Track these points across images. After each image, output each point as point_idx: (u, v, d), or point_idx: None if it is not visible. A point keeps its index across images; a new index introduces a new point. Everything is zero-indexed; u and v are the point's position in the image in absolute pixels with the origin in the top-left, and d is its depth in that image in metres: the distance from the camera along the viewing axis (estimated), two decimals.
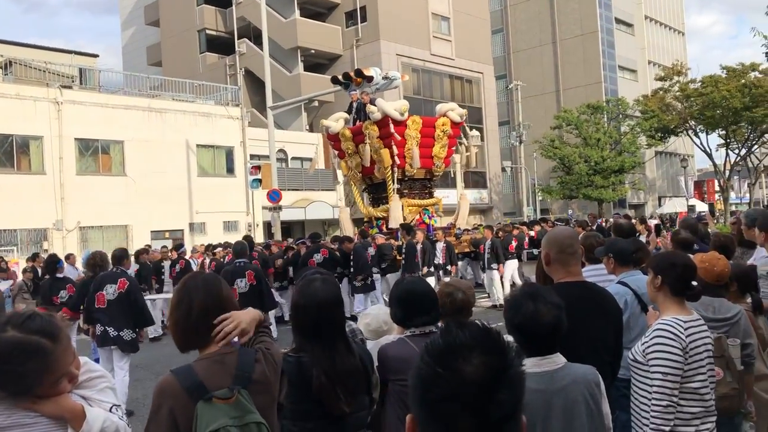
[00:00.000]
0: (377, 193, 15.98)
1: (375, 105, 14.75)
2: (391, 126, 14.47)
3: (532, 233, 15.87)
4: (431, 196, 16.15)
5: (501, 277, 13.67)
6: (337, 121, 15.97)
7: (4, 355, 1.71)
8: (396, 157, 14.65)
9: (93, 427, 1.83)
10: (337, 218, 17.48)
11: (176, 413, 2.01)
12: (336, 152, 16.29)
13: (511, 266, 14.14)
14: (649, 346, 2.84)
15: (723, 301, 3.52)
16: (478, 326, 1.15)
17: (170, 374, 2.10)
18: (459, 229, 17.47)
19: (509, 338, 2.13)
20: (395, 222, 14.16)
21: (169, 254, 14.14)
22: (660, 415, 2.78)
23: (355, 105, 15.91)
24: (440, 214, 16.33)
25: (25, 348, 1.72)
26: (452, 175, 17.72)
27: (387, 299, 10.10)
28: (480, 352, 1.09)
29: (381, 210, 15.40)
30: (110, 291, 7.17)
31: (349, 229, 15.87)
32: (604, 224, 19.26)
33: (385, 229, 14.62)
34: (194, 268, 13.47)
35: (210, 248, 16.01)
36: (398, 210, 14.58)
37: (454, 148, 16.21)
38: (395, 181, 14.85)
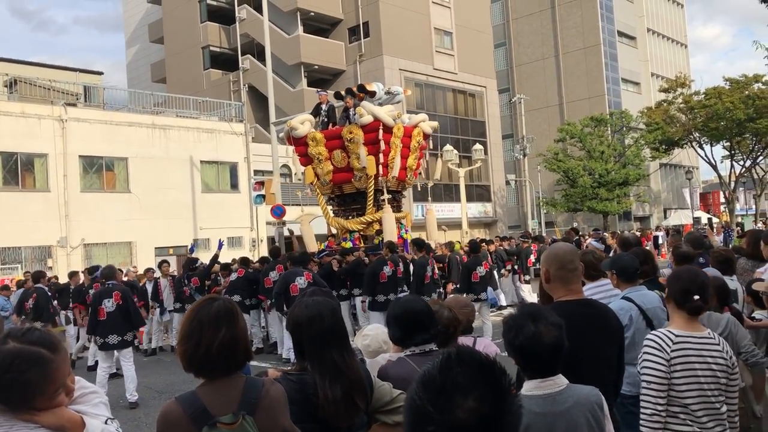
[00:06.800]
0: (346, 204, 14.58)
1: (363, 108, 13.58)
2: (380, 132, 13.39)
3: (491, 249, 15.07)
4: (399, 210, 15.04)
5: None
6: (303, 123, 14.48)
7: (6, 364, 1.74)
8: (380, 166, 13.53)
9: None
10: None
11: None
12: (298, 157, 14.99)
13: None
14: (640, 356, 2.94)
15: (710, 314, 3.56)
16: (479, 364, 1.08)
17: (174, 401, 2.08)
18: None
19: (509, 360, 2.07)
20: (391, 235, 12.93)
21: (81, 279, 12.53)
22: (646, 422, 2.84)
23: (324, 107, 14.77)
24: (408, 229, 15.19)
25: (26, 357, 1.76)
26: (423, 189, 15.65)
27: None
28: (475, 397, 1.02)
29: (356, 222, 13.96)
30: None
31: (312, 245, 14.58)
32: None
33: (360, 244, 13.62)
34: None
35: (154, 269, 13.62)
36: (392, 222, 13.43)
37: (422, 161, 15.23)
38: (385, 191, 13.77)
